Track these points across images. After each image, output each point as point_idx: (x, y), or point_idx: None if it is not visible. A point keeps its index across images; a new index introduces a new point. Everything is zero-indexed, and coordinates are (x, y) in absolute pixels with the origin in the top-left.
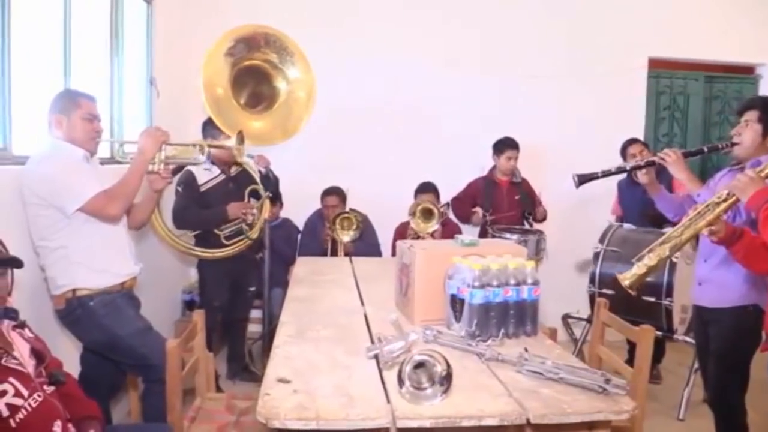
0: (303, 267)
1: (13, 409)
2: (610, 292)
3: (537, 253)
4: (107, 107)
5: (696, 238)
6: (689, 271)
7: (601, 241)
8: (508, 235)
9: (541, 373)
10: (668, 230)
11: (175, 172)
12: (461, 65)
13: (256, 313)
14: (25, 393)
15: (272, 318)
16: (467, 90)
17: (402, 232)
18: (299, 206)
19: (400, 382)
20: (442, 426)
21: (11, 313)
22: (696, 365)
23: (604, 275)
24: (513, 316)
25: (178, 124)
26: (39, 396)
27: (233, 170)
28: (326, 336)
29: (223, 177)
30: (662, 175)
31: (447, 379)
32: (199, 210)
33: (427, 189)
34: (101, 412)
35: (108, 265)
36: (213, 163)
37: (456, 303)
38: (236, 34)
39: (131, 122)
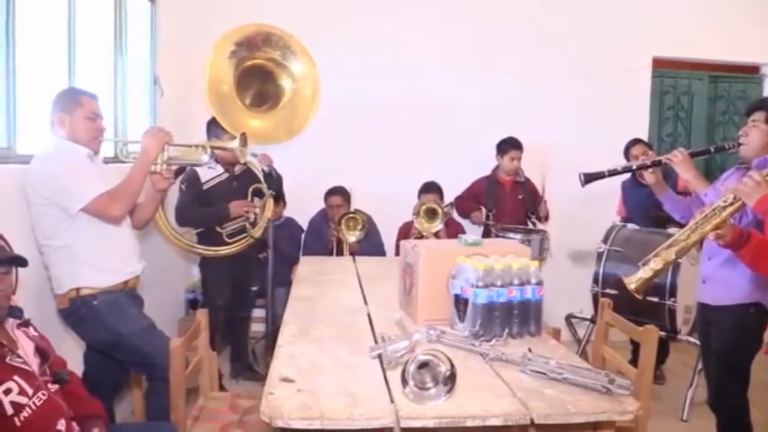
0: (306, 266)
1: (17, 407)
2: (613, 292)
3: (540, 253)
4: (111, 106)
5: None
6: (693, 271)
7: (605, 241)
8: (511, 235)
9: (544, 373)
10: (672, 230)
11: (178, 173)
12: (465, 65)
13: (259, 313)
14: (30, 391)
15: (275, 317)
16: (471, 89)
17: (405, 231)
18: (303, 205)
19: (404, 381)
20: (445, 426)
21: (16, 312)
22: (700, 366)
23: (607, 275)
24: (517, 316)
25: (181, 123)
26: (43, 394)
27: (237, 169)
28: (330, 335)
29: (226, 176)
30: (667, 174)
31: (451, 379)
32: (201, 208)
33: (430, 189)
34: (105, 411)
35: (111, 264)
36: (217, 161)
37: (460, 303)
38: (237, 36)
39: (135, 121)
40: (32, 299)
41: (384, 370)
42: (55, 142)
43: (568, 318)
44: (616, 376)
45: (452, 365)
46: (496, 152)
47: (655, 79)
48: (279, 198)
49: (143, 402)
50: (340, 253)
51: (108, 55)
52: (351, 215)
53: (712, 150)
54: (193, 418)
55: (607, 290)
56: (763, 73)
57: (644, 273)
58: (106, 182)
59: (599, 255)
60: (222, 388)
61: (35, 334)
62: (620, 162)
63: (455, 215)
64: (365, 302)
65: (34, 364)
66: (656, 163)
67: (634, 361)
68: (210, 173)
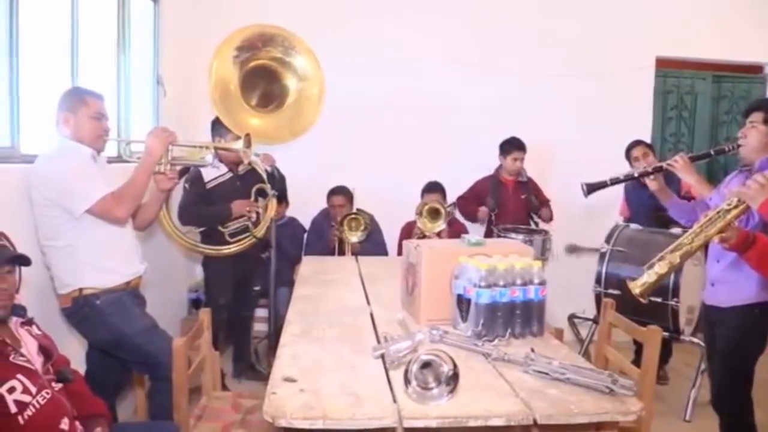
0: (309, 266)
1: (21, 405)
2: (616, 292)
3: (543, 253)
4: (114, 106)
5: None
6: (696, 272)
7: (608, 241)
8: (513, 235)
9: (547, 374)
10: (675, 230)
11: (182, 173)
12: (467, 65)
13: (262, 312)
14: (33, 390)
15: (278, 317)
16: (473, 89)
17: (408, 231)
18: (305, 205)
19: (407, 381)
20: (448, 426)
21: (19, 311)
22: (703, 366)
23: (610, 275)
24: (519, 316)
25: (184, 122)
26: (47, 393)
27: (241, 169)
28: (332, 335)
29: (230, 175)
30: (670, 178)
31: (453, 379)
32: (204, 207)
33: (434, 189)
34: (108, 410)
35: (114, 265)
36: (220, 161)
37: (462, 303)
38: (239, 39)
39: (138, 121)
40: (35, 298)
41: (387, 370)
42: (59, 142)
43: (571, 318)
44: (619, 377)
45: (455, 365)
46: (499, 152)
47: (658, 79)
48: (282, 198)
49: (146, 401)
50: (342, 252)
51: (111, 55)
52: (353, 215)
53: (713, 153)
54: (196, 418)
55: (610, 290)
56: (767, 73)
57: (649, 277)
58: (110, 183)
59: (602, 255)
60: (224, 387)
61: (38, 332)
62: (622, 163)
63: (458, 215)
64: (368, 302)
65: (37, 362)
66: (658, 170)
67: (637, 362)
68: (214, 173)
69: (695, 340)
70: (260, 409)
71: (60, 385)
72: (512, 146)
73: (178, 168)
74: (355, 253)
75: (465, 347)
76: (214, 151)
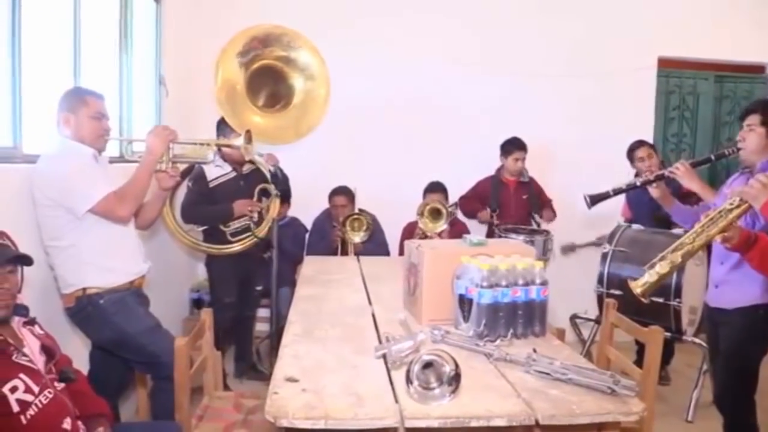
0: (311, 266)
1: (23, 405)
2: (618, 292)
3: (544, 254)
4: (116, 106)
5: None
6: (699, 272)
7: (610, 241)
8: (514, 236)
9: (549, 374)
10: (677, 231)
11: (186, 173)
12: (469, 65)
13: (263, 312)
14: (36, 389)
15: (280, 317)
16: (475, 89)
17: (410, 231)
18: (307, 205)
19: (409, 381)
20: (450, 426)
21: (22, 310)
22: (705, 367)
23: (612, 276)
24: (521, 317)
25: (187, 122)
26: (49, 393)
27: (245, 168)
28: (334, 335)
29: (234, 174)
30: (668, 180)
31: (455, 379)
32: (206, 205)
33: (436, 189)
34: (110, 410)
35: (117, 265)
36: (225, 160)
37: (464, 303)
38: (243, 39)
39: (140, 121)
40: (38, 298)
41: (388, 370)
42: (60, 142)
43: (573, 318)
44: (621, 377)
45: (457, 365)
46: (501, 153)
47: (660, 79)
48: (286, 198)
49: (148, 401)
50: (344, 252)
51: (113, 55)
52: (355, 216)
53: (713, 158)
54: (198, 418)
55: (612, 291)
56: None
57: (650, 277)
58: (112, 182)
59: (604, 255)
60: (226, 387)
61: (41, 332)
62: (625, 162)
63: (460, 215)
64: (369, 302)
65: (39, 362)
66: (660, 177)
67: (638, 362)
68: (217, 171)
69: (697, 340)
70: (262, 409)
71: (62, 384)
72: (514, 146)
73: (182, 167)
74: (357, 254)
75: (467, 347)
76: (216, 148)
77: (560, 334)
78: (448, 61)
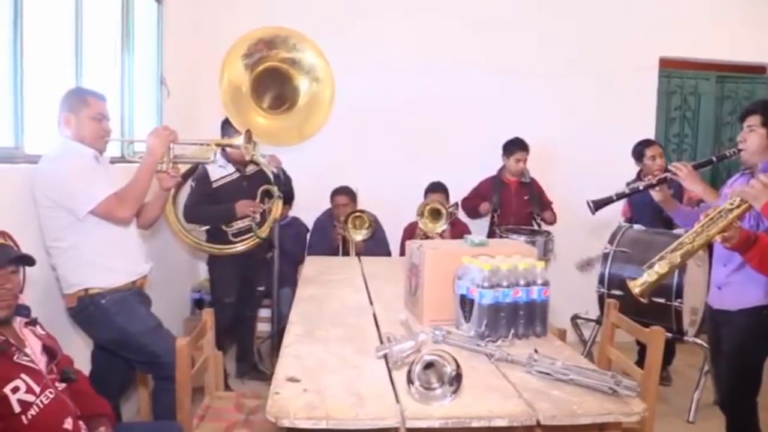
0: (312, 266)
1: (24, 405)
2: (619, 293)
3: (545, 254)
4: (118, 106)
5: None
6: (700, 273)
7: (611, 241)
8: (515, 236)
9: (550, 374)
10: (678, 231)
11: (189, 173)
12: (470, 65)
13: (265, 312)
14: (37, 390)
15: (281, 317)
16: (476, 89)
17: (411, 231)
18: (308, 205)
19: (410, 382)
20: (451, 426)
21: (23, 310)
22: (706, 367)
23: (613, 276)
24: (523, 317)
25: (188, 123)
26: (51, 393)
27: (249, 169)
28: (335, 335)
29: (237, 175)
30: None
31: (456, 380)
32: (208, 206)
33: (436, 189)
34: (112, 410)
35: (119, 265)
36: (228, 161)
37: (465, 303)
38: (247, 43)
39: (141, 121)
40: (40, 298)
41: (390, 371)
42: (61, 143)
43: (574, 319)
44: (622, 378)
45: (458, 366)
46: (502, 153)
47: (662, 79)
48: (289, 200)
49: (149, 401)
50: (345, 253)
51: (115, 56)
52: (357, 214)
53: (714, 160)
54: (199, 418)
55: (613, 291)
56: None
57: (649, 276)
58: (113, 183)
59: (605, 256)
60: (228, 387)
61: (42, 332)
62: (627, 163)
63: (461, 215)
64: (371, 302)
65: (41, 362)
66: (662, 181)
67: (640, 363)
68: (221, 172)
69: (698, 341)
70: (263, 409)
71: (64, 384)
72: (515, 147)
73: (184, 168)
74: (358, 254)
75: (468, 347)
76: (218, 148)
77: (561, 335)
78: (448, 61)
